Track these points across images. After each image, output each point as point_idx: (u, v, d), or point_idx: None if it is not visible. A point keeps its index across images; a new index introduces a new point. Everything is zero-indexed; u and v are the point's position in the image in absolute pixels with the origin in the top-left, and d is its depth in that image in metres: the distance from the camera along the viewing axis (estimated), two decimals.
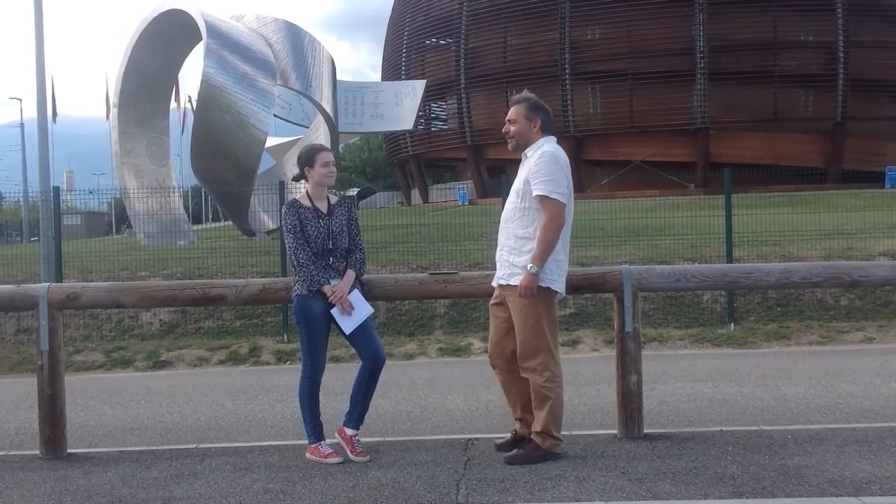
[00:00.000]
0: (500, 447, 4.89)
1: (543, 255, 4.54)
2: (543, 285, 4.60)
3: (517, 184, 4.73)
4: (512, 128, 4.77)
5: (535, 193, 4.58)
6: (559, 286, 4.70)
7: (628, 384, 5.11)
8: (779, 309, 10.87)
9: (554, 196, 4.55)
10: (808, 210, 13.60)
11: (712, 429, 5.46)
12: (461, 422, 6.05)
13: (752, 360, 8.72)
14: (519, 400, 4.88)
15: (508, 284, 4.69)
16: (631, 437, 5.10)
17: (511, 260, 4.68)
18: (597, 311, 10.71)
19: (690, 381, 7.48)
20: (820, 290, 10.65)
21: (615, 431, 5.20)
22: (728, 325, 10.48)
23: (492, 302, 4.93)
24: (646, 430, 5.19)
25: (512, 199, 4.75)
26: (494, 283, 4.88)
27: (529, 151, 4.73)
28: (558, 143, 4.82)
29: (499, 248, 4.81)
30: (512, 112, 4.79)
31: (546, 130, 4.78)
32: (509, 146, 4.85)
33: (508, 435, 4.98)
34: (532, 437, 4.70)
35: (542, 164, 4.59)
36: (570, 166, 4.73)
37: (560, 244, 4.63)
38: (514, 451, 4.71)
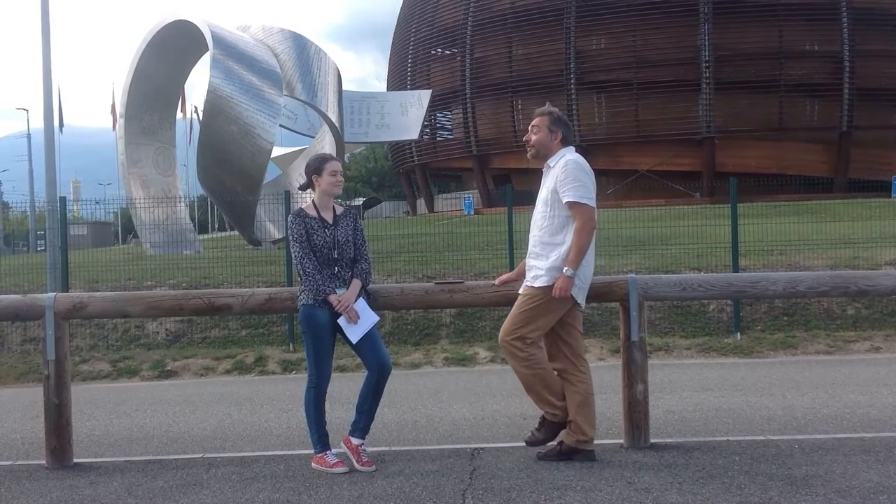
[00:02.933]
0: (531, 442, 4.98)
1: (578, 259, 4.67)
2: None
3: (544, 193, 4.85)
4: (534, 137, 4.92)
5: (564, 200, 4.69)
6: (578, 294, 4.77)
7: (634, 393, 5.11)
8: (785, 318, 10.84)
9: (584, 201, 4.69)
10: (814, 219, 13.58)
11: (719, 438, 5.45)
12: (467, 431, 6.04)
13: (759, 370, 8.70)
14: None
15: (532, 286, 4.79)
16: (637, 446, 5.09)
17: (537, 264, 4.80)
18: (603, 320, 10.69)
19: (697, 390, 7.46)
20: (826, 299, 10.61)
21: (621, 441, 5.20)
22: (734, 334, 10.46)
23: None
24: (652, 440, 5.18)
25: (540, 208, 4.87)
26: (522, 291, 4.94)
27: (552, 161, 4.88)
28: None
29: (528, 254, 4.94)
30: (535, 122, 4.94)
31: (566, 143, 4.93)
32: (529, 154, 4.99)
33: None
34: (546, 415, 4.88)
35: (568, 172, 4.73)
36: (593, 174, 4.86)
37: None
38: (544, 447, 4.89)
